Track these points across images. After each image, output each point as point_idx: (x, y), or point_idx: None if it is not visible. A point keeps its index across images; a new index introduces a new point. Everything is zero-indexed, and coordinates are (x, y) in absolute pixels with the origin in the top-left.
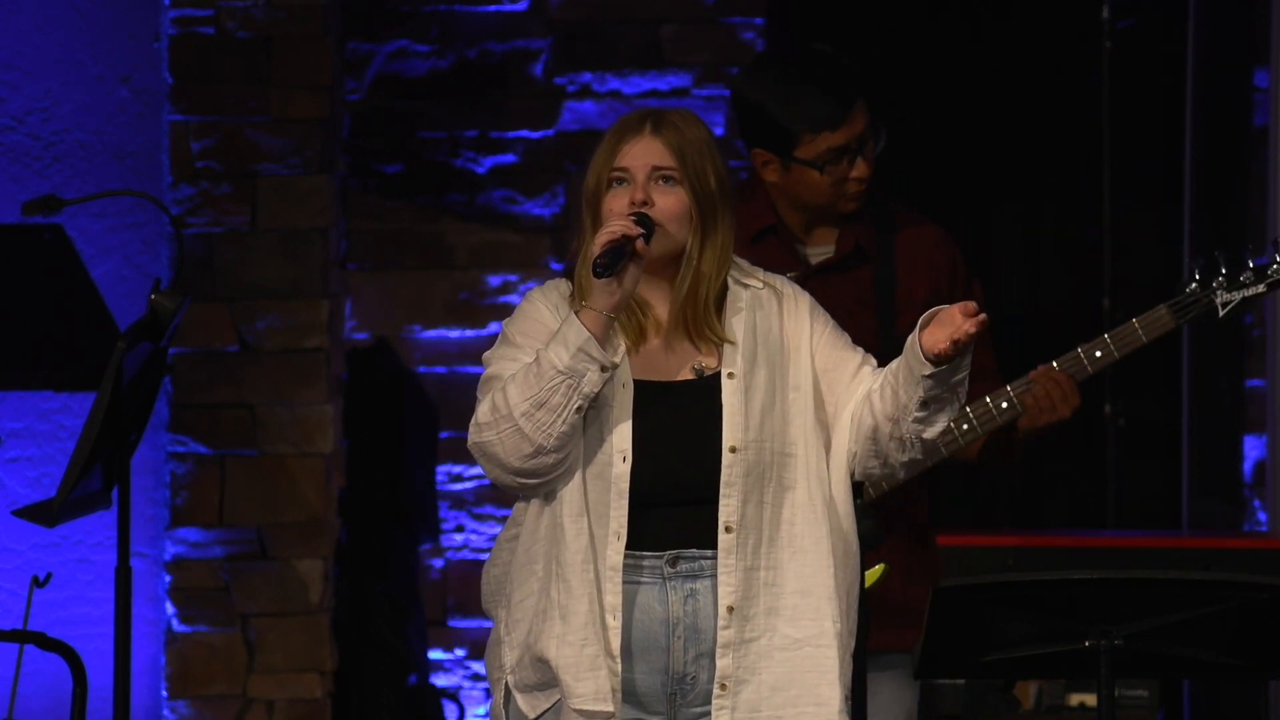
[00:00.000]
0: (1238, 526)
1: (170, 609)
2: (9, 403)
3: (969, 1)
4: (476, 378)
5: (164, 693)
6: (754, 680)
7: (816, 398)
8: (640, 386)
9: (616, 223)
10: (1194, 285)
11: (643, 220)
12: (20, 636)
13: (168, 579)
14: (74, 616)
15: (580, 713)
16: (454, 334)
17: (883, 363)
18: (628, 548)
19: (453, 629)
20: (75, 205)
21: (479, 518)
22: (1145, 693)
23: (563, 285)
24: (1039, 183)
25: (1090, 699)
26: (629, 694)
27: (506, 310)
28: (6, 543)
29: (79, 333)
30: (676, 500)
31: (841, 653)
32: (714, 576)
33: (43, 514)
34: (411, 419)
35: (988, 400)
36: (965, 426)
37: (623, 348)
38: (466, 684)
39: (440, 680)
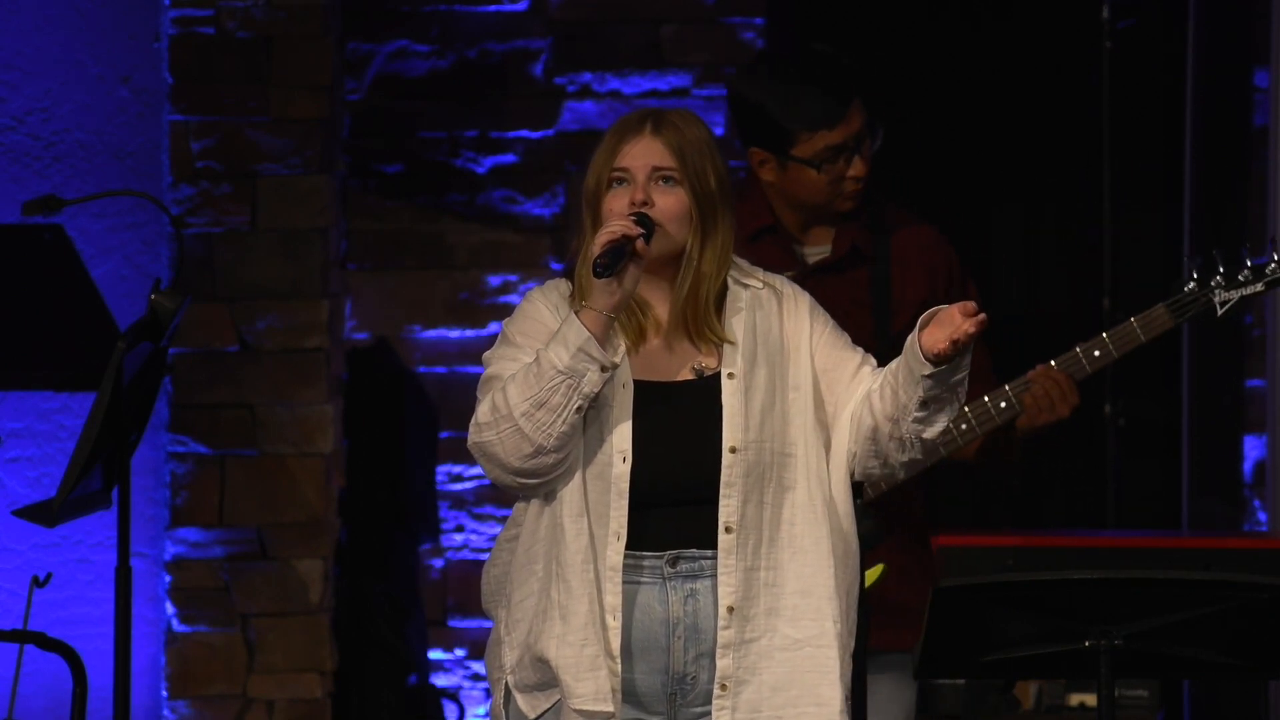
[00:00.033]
0: (1238, 526)
1: (170, 609)
2: (9, 403)
3: (969, 1)
4: (476, 378)
5: (164, 693)
6: (754, 680)
7: (816, 398)
8: (640, 387)
9: (616, 223)
10: (1192, 284)
11: (643, 220)
12: (20, 636)
13: (168, 579)
14: (74, 616)
15: (580, 713)
16: (454, 334)
17: (879, 363)
18: (628, 548)
19: (453, 629)
20: (75, 205)
21: (479, 518)
22: (1145, 693)
23: (563, 285)
24: (1039, 183)
25: (1090, 699)
26: (629, 694)
27: (506, 310)
28: (6, 543)
29: (79, 333)
30: (676, 500)
31: (842, 653)
32: (714, 576)
33: (43, 514)
34: (411, 419)
35: (986, 400)
36: (964, 426)
37: (623, 348)
38: (466, 684)
39: (440, 680)
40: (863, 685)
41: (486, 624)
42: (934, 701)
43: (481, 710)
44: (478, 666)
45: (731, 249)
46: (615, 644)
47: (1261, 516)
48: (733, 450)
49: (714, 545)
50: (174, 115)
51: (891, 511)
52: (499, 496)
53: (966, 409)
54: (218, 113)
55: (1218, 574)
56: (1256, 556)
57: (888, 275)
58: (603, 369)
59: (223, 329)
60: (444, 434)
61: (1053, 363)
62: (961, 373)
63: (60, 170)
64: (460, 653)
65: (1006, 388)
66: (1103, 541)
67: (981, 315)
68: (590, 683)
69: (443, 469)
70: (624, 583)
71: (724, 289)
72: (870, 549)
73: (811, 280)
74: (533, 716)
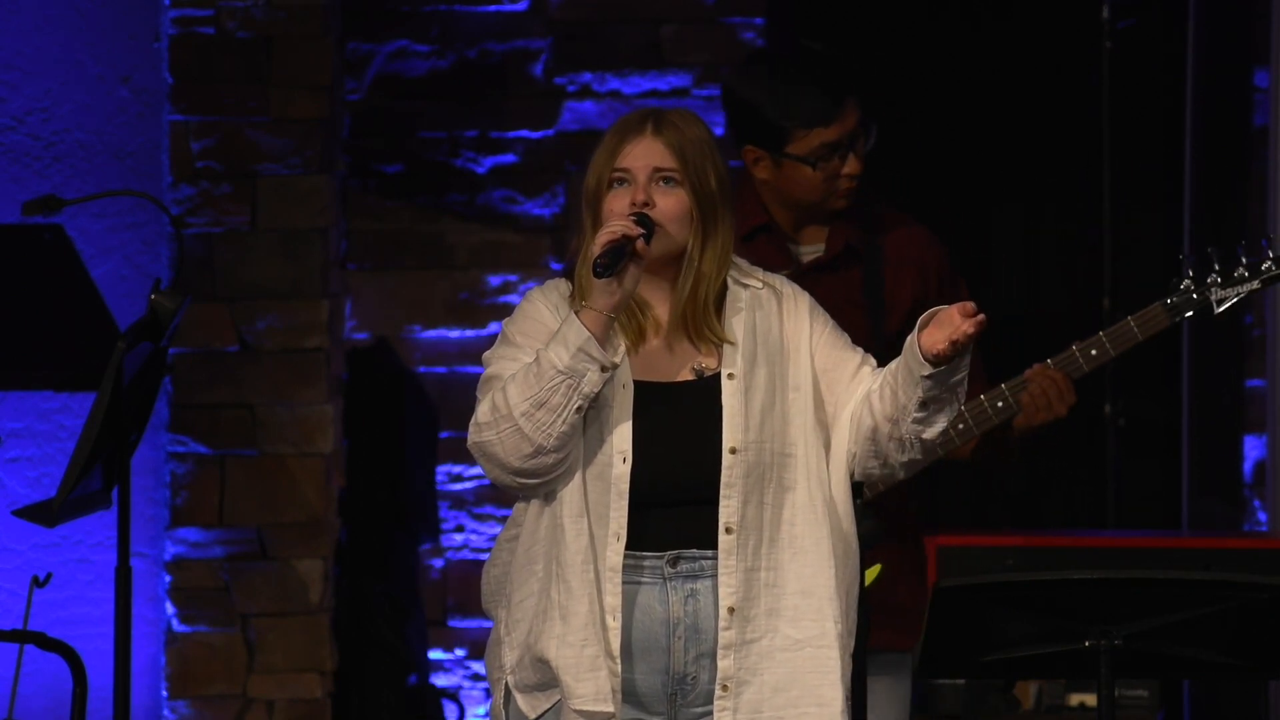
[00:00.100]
0: (1238, 526)
1: (170, 609)
2: (9, 403)
3: (969, 1)
4: (476, 378)
5: (164, 693)
6: (755, 681)
7: (816, 398)
8: (640, 387)
9: (617, 223)
10: (1188, 283)
11: (643, 221)
12: (20, 636)
13: (168, 579)
14: (74, 616)
15: (580, 713)
16: (454, 334)
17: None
18: (628, 548)
19: (453, 629)
20: (75, 205)
21: (479, 518)
22: (1145, 693)
23: (563, 285)
24: (1039, 183)
25: (1090, 699)
26: (629, 694)
27: (506, 310)
28: (6, 543)
29: (79, 333)
30: (676, 501)
31: (843, 653)
32: (714, 577)
33: (43, 514)
34: (411, 419)
35: (983, 399)
36: (961, 426)
37: (623, 348)
38: (466, 684)
39: (440, 680)
40: (863, 685)
41: (486, 624)
42: (934, 701)
43: (481, 710)
44: (478, 666)
45: (732, 249)
46: (615, 644)
47: (1261, 516)
48: (733, 451)
49: (714, 545)
50: (174, 115)
51: (886, 511)
52: (499, 496)
53: (963, 409)
54: (218, 113)
55: (1218, 574)
56: (1256, 556)
57: (881, 275)
58: (603, 369)
59: (223, 329)
60: (444, 434)
61: (1049, 362)
62: (961, 373)
63: (60, 170)
64: (460, 653)
65: (1003, 387)
66: (1103, 541)
67: (980, 316)
68: (590, 683)
69: (443, 469)
70: (624, 583)
71: (724, 289)
72: (870, 549)
73: (805, 279)
74: (533, 717)
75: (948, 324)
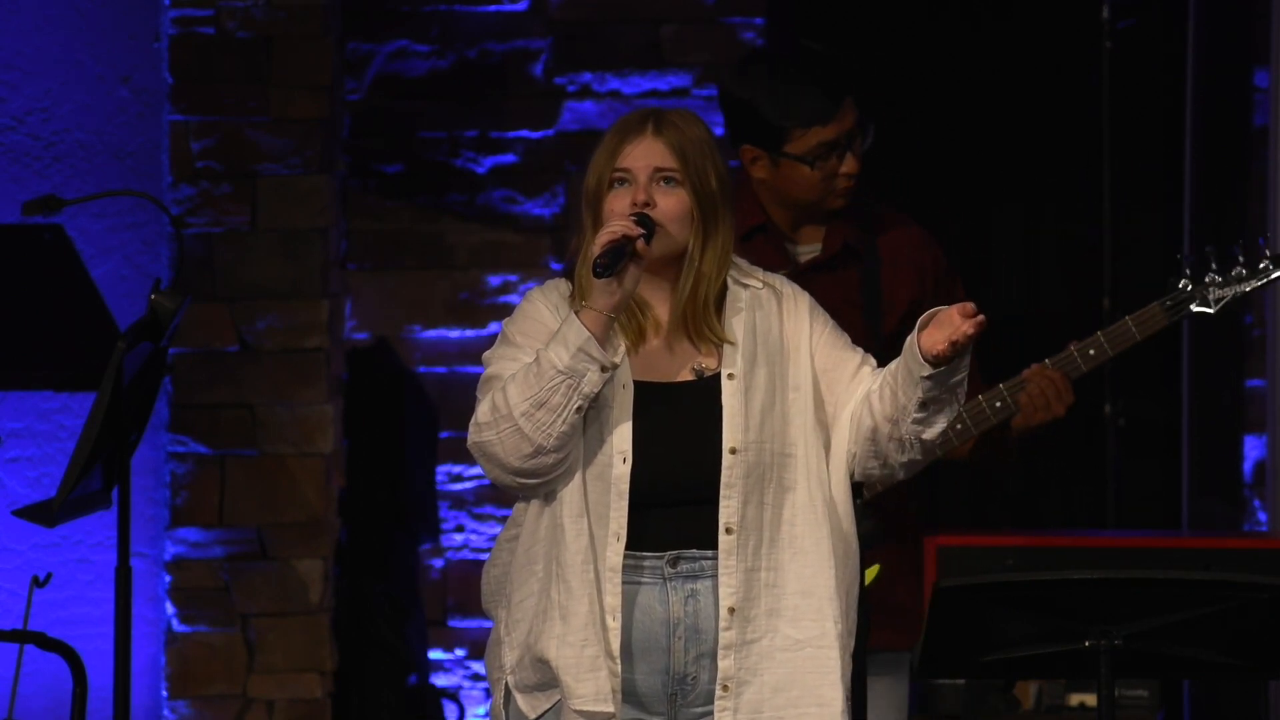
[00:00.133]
0: (1238, 526)
1: (170, 609)
2: (9, 403)
3: (969, 1)
4: (476, 378)
5: (164, 693)
6: (756, 681)
7: (816, 398)
8: (640, 387)
9: (617, 223)
10: (1186, 282)
11: (644, 221)
12: (20, 636)
13: (168, 579)
14: (74, 616)
15: (580, 713)
16: (454, 334)
17: None
18: (628, 548)
19: (453, 629)
20: (75, 205)
21: (479, 518)
22: (1145, 693)
23: (563, 285)
24: (1039, 183)
25: (1090, 699)
26: (629, 694)
27: (506, 310)
28: (6, 543)
29: (79, 333)
30: (676, 501)
31: (843, 653)
32: (714, 577)
33: (43, 514)
34: (411, 419)
35: (981, 399)
36: (959, 426)
37: (623, 348)
38: (466, 684)
39: (440, 680)
40: (863, 685)
41: (486, 624)
42: (934, 701)
43: (481, 710)
44: (478, 666)
45: (732, 249)
46: (615, 644)
47: (1261, 516)
48: (733, 451)
49: (714, 546)
50: (174, 115)
51: (886, 511)
52: (499, 496)
53: (961, 409)
54: (218, 113)
55: (1218, 574)
56: (1256, 556)
57: (878, 275)
58: (602, 369)
59: (223, 329)
60: (444, 434)
61: (1047, 361)
62: (960, 374)
63: (60, 170)
64: (460, 653)
65: (1001, 387)
66: (1103, 541)
67: (980, 317)
68: (590, 683)
69: (443, 469)
70: (624, 583)
71: (724, 289)
72: (870, 549)
73: (803, 279)
74: (533, 717)
75: (947, 324)
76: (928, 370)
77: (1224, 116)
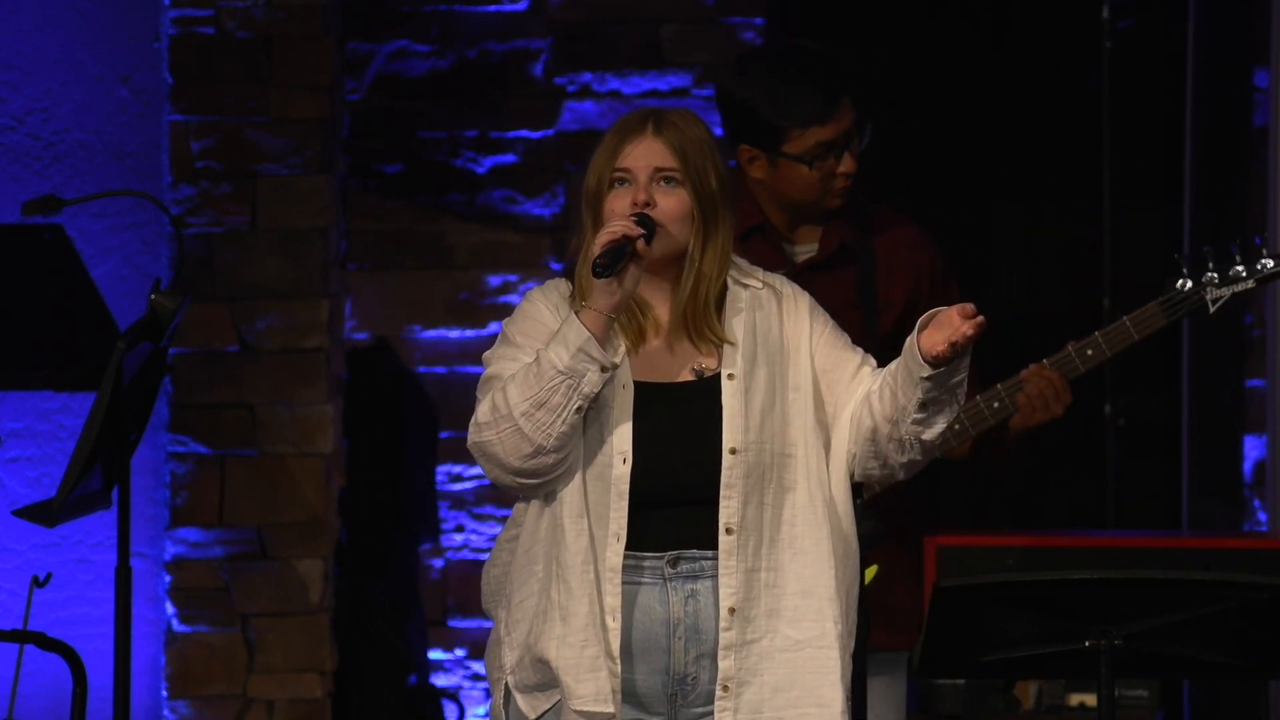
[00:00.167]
0: (1238, 526)
1: (170, 609)
2: (9, 403)
3: (969, 1)
4: (476, 378)
5: (164, 693)
6: (756, 682)
7: (816, 398)
8: (640, 388)
9: (617, 223)
10: (1183, 282)
11: (644, 221)
12: (20, 636)
13: (168, 579)
14: (74, 616)
15: (581, 714)
16: (454, 334)
17: None
18: (628, 548)
19: (453, 629)
20: (75, 205)
21: (479, 518)
22: (1145, 693)
23: (563, 285)
24: (1039, 183)
25: (1090, 699)
26: (630, 694)
27: (506, 310)
28: (6, 543)
29: (79, 333)
30: (676, 501)
31: (843, 654)
32: (715, 577)
33: (43, 514)
34: (411, 419)
35: (979, 400)
36: (956, 426)
37: (623, 348)
38: (466, 684)
39: (440, 680)
40: (863, 686)
41: (486, 624)
42: (934, 701)
43: (481, 710)
44: (478, 666)
45: (732, 249)
46: (615, 645)
47: (1261, 516)
48: (733, 451)
49: (714, 546)
50: (174, 115)
51: (885, 511)
52: (499, 496)
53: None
54: (218, 113)
55: (1218, 574)
56: (1256, 556)
57: (875, 275)
58: (603, 369)
59: (223, 329)
60: (444, 434)
61: (1045, 362)
62: (960, 375)
63: (60, 170)
64: (460, 653)
65: (999, 387)
66: (1103, 541)
67: (980, 318)
68: (590, 684)
69: (443, 469)
70: (624, 583)
71: (724, 289)
72: (871, 549)
73: (800, 279)
74: (533, 717)
75: (947, 325)
76: (927, 371)
77: (1224, 116)
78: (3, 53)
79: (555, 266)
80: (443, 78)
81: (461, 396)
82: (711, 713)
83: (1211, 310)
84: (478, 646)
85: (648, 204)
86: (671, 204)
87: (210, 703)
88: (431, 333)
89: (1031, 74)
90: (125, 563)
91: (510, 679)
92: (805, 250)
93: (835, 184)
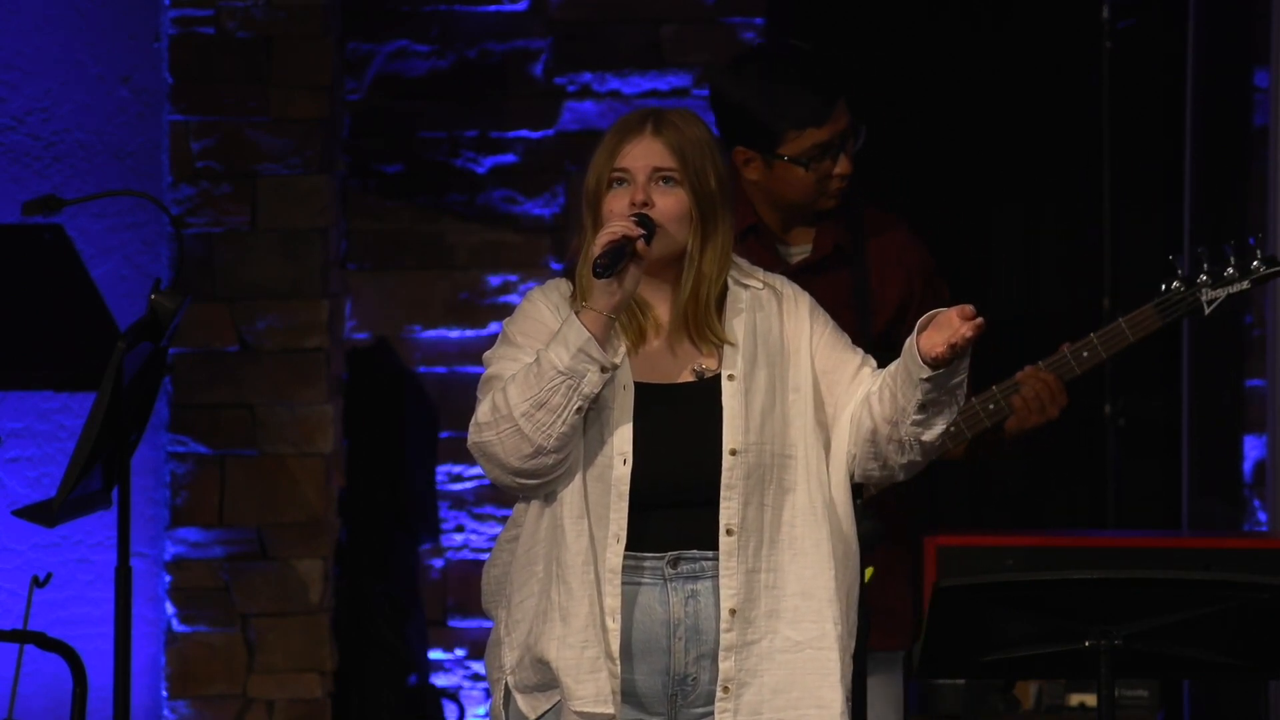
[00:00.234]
0: (1238, 526)
1: (170, 609)
2: (9, 403)
3: (969, 1)
4: (476, 378)
5: (164, 693)
6: (755, 683)
7: (816, 399)
8: (641, 389)
9: (617, 223)
10: (1178, 284)
11: (643, 221)
12: (20, 636)
13: (168, 579)
14: (74, 616)
15: (580, 715)
16: (454, 334)
17: None
18: (628, 549)
19: (453, 629)
20: (75, 205)
21: (479, 518)
22: (1145, 693)
23: (563, 285)
24: (1039, 183)
25: (1090, 699)
26: (630, 695)
27: (506, 310)
28: (6, 543)
29: (79, 333)
30: (677, 502)
31: (843, 655)
32: (715, 578)
33: (43, 514)
34: (411, 419)
35: (975, 402)
36: (952, 429)
37: (623, 349)
38: (466, 684)
39: (440, 680)
40: (862, 686)
41: (486, 624)
42: (934, 701)
43: (481, 710)
44: (478, 666)
45: (732, 249)
46: (615, 646)
47: (1261, 516)
48: (733, 452)
49: (714, 546)
50: (174, 115)
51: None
52: (499, 496)
53: None
54: (218, 113)
55: (1218, 574)
56: (1256, 556)
57: (868, 276)
58: (603, 370)
59: (223, 329)
60: (444, 434)
61: (1040, 364)
62: (959, 376)
63: (60, 170)
64: (460, 653)
65: (995, 389)
66: (1103, 541)
67: (979, 319)
68: (591, 684)
69: (443, 469)
70: (625, 584)
71: (724, 290)
72: (871, 550)
73: (794, 280)
74: (533, 717)
75: (946, 327)
76: (927, 372)
77: (1224, 116)
78: (3, 53)
79: (555, 266)
80: (443, 78)
81: (461, 396)
82: (712, 713)
83: (1207, 312)
84: (478, 646)
85: (646, 204)
86: (670, 204)
87: (210, 703)
88: (431, 333)
89: (1031, 74)
90: (125, 563)
91: (510, 679)
92: (799, 251)
93: (831, 185)
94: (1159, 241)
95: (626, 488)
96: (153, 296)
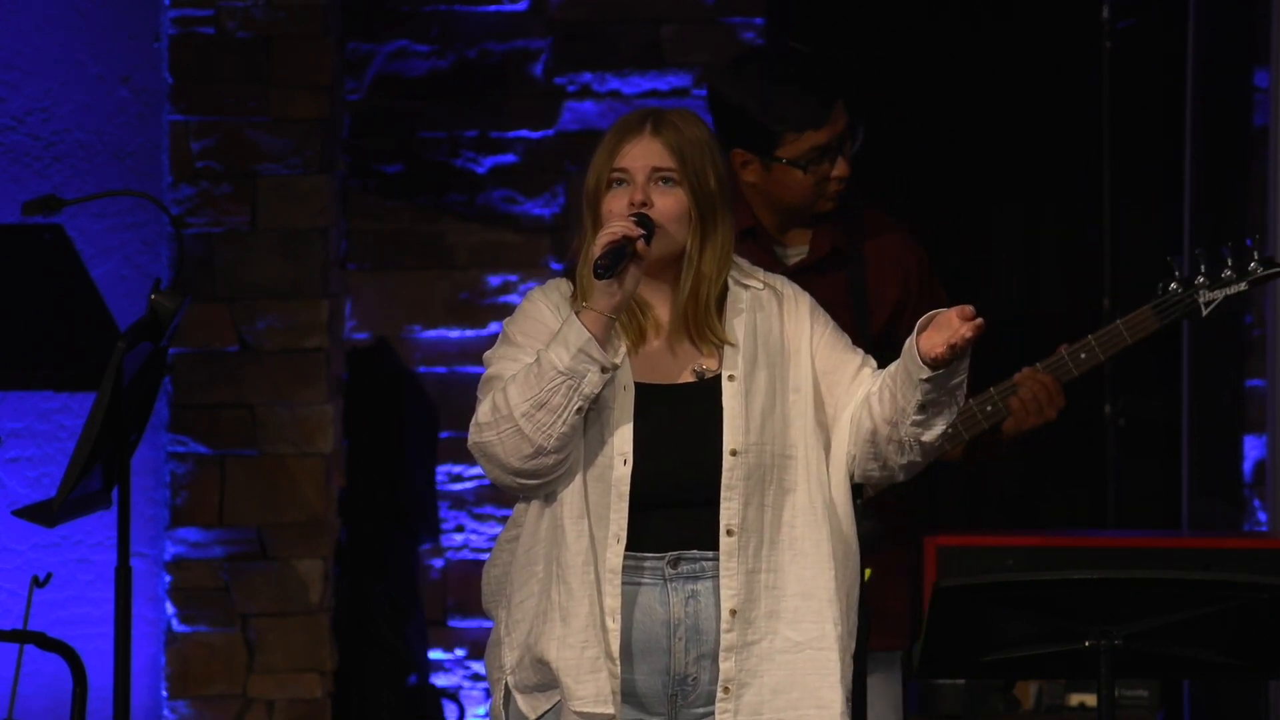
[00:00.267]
0: (1238, 526)
1: (170, 609)
2: (9, 403)
3: (969, 1)
4: (476, 378)
5: (164, 693)
6: (756, 683)
7: (817, 399)
8: (641, 389)
9: (617, 223)
10: (1176, 286)
11: (643, 221)
12: (20, 636)
13: (168, 579)
14: (74, 616)
15: (580, 715)
16: (454, 334)
17: None
18: (628, 549)
19: (453, 629)
20: (75, 205)
21: (479, 518)
22: (1145, 693)
23: (563, 285)
24: (1039, 183)
25: (1090, 699)
26: (630, 695)
27: (506, 310)
28: (6, 543)
29: (79, 333)
30: (677, 502)
31: (843, 655)
32: (715, 578)
33: (43, 514)
34: (411, 419)
35: (972, 403)
36: (950, 430)
37: (623, 349)
38: (466, 684)
39: (440, 680)
40: (862, 687)
41: (486, 624)
42: (934, 701)
43: (481, 710)
44: (478, 666)
45: (732, 249)
46: (615, 646)
47: (1261, 516)
48: (733, 453)
49: (715, 547)
50: (174, 115)
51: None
52: (499, 496)
53: None
54: (218, 113)
55: (1218, 574)
56: (1256, 556)
57: (865, 277)
58: (603, 370)
59: (223, 329)
60: (444, 434)
61: (1038, 365)
62: (959, 377)
63: (60, 170)
64: (460, 653)
65: (992, 391)
66: (1103, 541)
67: (979, 320)
68: (591, 685)
69: (443, 469)
70: (625, 584)
71: (725, 290)
72: (872, 550)
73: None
74: (533, 717)
75: (946, 328)
76: (926, 373)
77: (1224, 116)
78: (3, 53)
79: (555, 266)
80: (443, 78)
81: (461, 396)
82: (712, 713)
83: (1204, 314)
84: (478, 646)
85: (645, 204)
86: (669, 204)
87: (210, 703)
88: (431, 333)
89: (1031, 74)
90: (125, 563)
91: (510, 679)
92: (796, 253)
93: (829, 188)
94: (1159, 241)
95: (627, 488)
96: (153, 296)
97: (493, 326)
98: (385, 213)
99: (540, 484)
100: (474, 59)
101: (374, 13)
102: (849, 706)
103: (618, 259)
